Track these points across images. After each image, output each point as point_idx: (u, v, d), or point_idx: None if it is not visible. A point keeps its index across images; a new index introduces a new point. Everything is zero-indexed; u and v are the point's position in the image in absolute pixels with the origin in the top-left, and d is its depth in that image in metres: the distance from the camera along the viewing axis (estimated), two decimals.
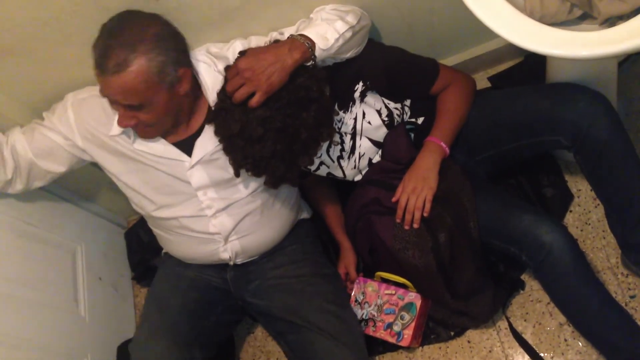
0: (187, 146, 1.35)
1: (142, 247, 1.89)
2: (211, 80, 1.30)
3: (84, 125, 1.36)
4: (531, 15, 0.99)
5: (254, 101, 1.14)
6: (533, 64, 1.58)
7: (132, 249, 1.95)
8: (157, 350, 1.41)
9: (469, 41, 1.64)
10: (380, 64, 1.37)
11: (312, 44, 1.18)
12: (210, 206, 1.42)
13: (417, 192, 1.36)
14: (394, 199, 1.39)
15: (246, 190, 1.43)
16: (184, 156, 1.36)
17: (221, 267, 1.55)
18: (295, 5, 1.36)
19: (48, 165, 1.40)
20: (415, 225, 1.36)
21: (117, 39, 1.16)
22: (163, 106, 1.24)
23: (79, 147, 1.38)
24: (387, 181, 1.44)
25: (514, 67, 1.70)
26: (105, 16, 1.24)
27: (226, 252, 1.48)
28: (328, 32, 1.20)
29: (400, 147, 1.44)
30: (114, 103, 1.24)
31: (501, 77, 1.70)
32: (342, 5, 1.35)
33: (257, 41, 1.33)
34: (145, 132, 1.31)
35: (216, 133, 1.22)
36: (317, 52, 1.20)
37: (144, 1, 1.25)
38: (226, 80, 1.20)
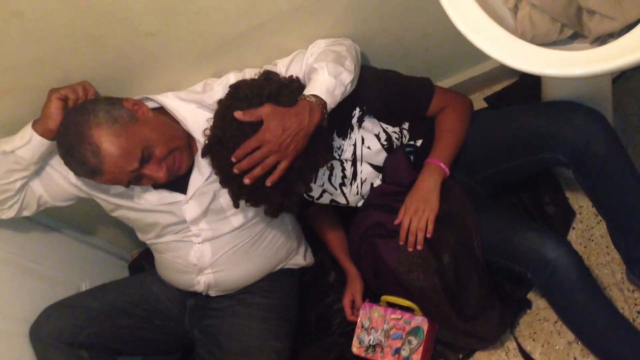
0: (180, 183, 1.38)
1: None
2: (189, 114, 1.33)
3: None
4: (522, 36, 1.01)
5: (282, 168, 1.14)
6: (528, 83, 1.60)
7: None
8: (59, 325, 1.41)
9: (463, 63, 1.66)
10: (376, 89, 1.38)
11: (324, 103, 1.19)
12: (198, 235, 1.43)
13: (419, 213, 1.36)
14: (396, 222, 1.39)
15: (236, 223, 1.44)
16: (178, 195, 1.39)
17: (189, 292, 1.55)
18: (289, 36, 1.38)
19: (52, 202, 1.41)
20: (419, 247, 1.35)
21: (72, 149, 1.21)
22: (154, 133, 1.26)
23: (81, 189, 1.41)
24: (389, 204, 1.45)
25: (509, 86, 1.72)
26: (103, 53, 1.27)
27: (200, 284, 1.48)
28: (337, 88, 1.21)
29: (400, 170, 1.45)
30: (135, 177, 1.26)
31: (497, 97, 1.72)
32: (336, 41, 1.36)
33: (250, 73, 1.33)
34: (182, 160, 1.32)
35: (212, 166, 1.23)
36: (328, 110, 1.21)
37: (140, 38, 1.27)
38: (224, 134, 1.17)
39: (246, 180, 1.13)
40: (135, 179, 1.27)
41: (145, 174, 1.26)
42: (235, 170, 1.14)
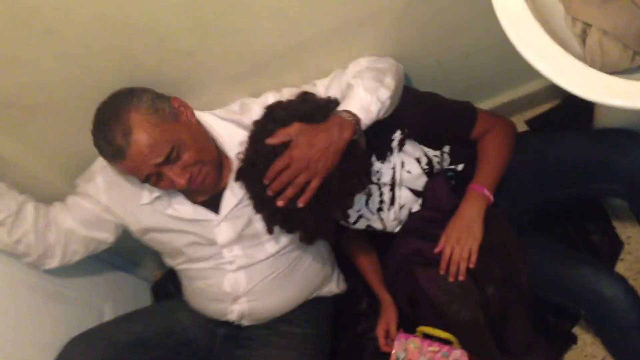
0: (213, 203, 1.33)
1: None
2: (225, 132, 1.30)
3: (112, 189, 1.34)
4: (592, 64, 0.95)
5: (313, 187, 1.09)
6: (574, 106, 1.54)
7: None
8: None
9: (504, 84, 1.61)
10: (418, 112, 1.33)
11: (358, 120, 1.15)
12: (232, 262, 1.38)
13: (461, 242, 1.31)
14: (436, 250, 1.33)
15: (272, 249, 1.39)
16: (211, 214, 1.34)
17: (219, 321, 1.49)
18: (329, 56, 1.33)
19: (89, 234, 1.36)
20: (461, 278, 1.29)
21: (105, 125, 1.18)
22: (189, 137, 1.22)
23: (110, 211, 1.35)
24: (429, 231, 1.39)
25: (553, 109, 1.65)
26: (139, 72, 1.23)
27: (233, 313, 1.42)
28: (372, 105, 1.16)
29: (441, 196, 1.39)
30: (155, 173, 1.20)
31: (540, 120, 1.66)
32: (378, 59, 1.32)
33: (288, 93, 1.31)
34: (207, 174, 1.26)
35: (246, 190, 1.19)
36: (362, 127, 1.16)
37: (177, 57, 1.23)
38: (257, 155, 1.13)
39: (279, 203, 1.09)
40: (155, 177, 1.21)
41: (166, 175, 1.20)
42: (268, 193, 1.09)
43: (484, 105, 1.64)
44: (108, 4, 1.07)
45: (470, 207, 1.34)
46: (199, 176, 1.24)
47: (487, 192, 1.34)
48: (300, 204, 1.09)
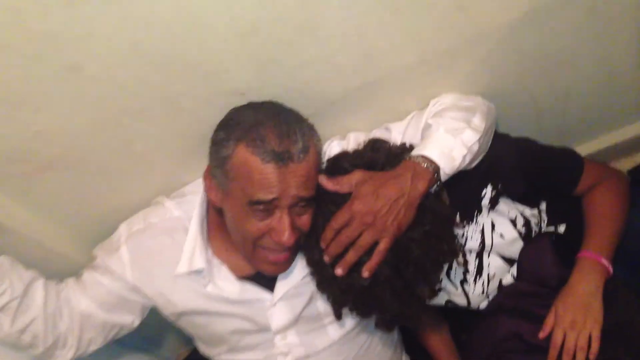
0: (264, 278, 1.08)
1: None
2: None
3: (140, 264, 1.07)
4: None
5: (384, 249, 0.91)
6: None
7: None
8: None
9: (602, 128, 1.42)
10: (514, 162, 1.13)
11: (437, 167, 0.94)
12: (287, 353, 1.12)
13: (577, 326, 1.09)
14: (542, 335, 1.11)
15: (336, 334, 1.15)
16: (265, 293, 1.09)
17: None
18: (408, 94, 1.13)
19: (110, 318, 1.10)
20: None
21: (287, 122, 0.93)
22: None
23: (137, 291, 1.09)
24: (528, 309, 1.17)
25: None
26: (176, 117, 1.01)
27: None
28: (455, 150, 0.97)
29: (545, 265, 1.17)
30: (273, 204, 0.93)
31: None
32: (465, 98, 1.13)
33: (356, 140, 1.11)
34: (291, 256, 1.02)
35: (307, 262, 1.03)
36: (443, 177, 0.97)
37: (225, 98, 1.00)
38: (323, 215, 0.96)
39: (338, 271, 0.92)
40: (264, 209, 0.93)
41: (280, 218, 0.94)
42: (325, 259, 0.94)
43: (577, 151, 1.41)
44: (142, 31, 0.85)
45: (585, 281, 1.12)
46: (289, 254, 1.01)
47: (604, 261, 1.12)
48: (365, 273, 0.91)
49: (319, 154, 0.98)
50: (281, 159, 0.90)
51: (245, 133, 0.91)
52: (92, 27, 0.82)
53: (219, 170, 0.95)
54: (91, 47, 0.85)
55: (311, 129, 0.97)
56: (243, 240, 0.98)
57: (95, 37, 0.83)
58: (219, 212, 1.03)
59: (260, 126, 0.91)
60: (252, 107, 0.98)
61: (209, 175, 0.99)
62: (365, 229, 0.90)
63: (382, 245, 0.90)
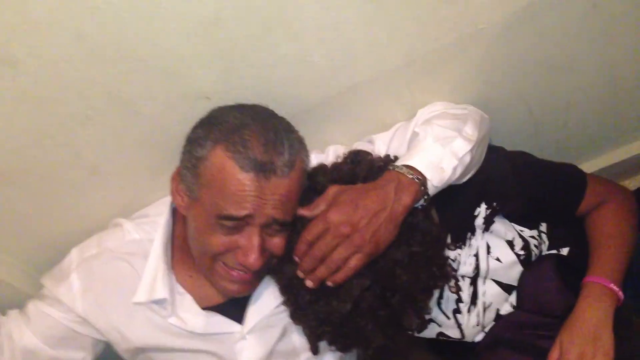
0: (233, 308, 0.99)
1: None
2: None
3: (92, 294, 0.97)
4: None
5: (354, 266, 0.82)
6: None
7: None
8: None
9: (605, 144, 1.37)
10: (511, 178, 1.06)
11: (424, 180, 0.86)
12: None
13: (586, 358, 1.01)
14: None
15: None
16: (233, 325, 0.98)
17: None
18: (394, 101, 1.05)
19: (57, 355, 0.98)
20: None
21: (283, 132, 0.86)
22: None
23: (87, 324, 0.97)
24: (530, 342, 1.10)
25: None
26: (133, 123, 0.91)
27: None
28: (444, 160, 0.90)
29: (547, 292, 1.10)
30: (245, 221, 0.85)
31: None
32: (456, 106, 1.06)
33: (335, 153, 1.05)
34: (254, 282, 0.94)
35: (277, 284, 0.94)
36: (431, 190, 0.89)
37: (190, 101, 0.91)
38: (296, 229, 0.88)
39: (308, 283, 0.85)
40: (235, 226, 0.84)
41: (250, 237, 0.85)
42: (299, 274, 0.85)
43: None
44: (87, 18, 0.75)
45: (593, 308, 1.04)
46: (253, 276, 0.91)
47: (613, 286, 1.04)
48: (329, 282, 0.83)
49: (304, 172, 0.90)
50: (262, 170, 0.81)
51: (227, 134, 0.82)
52: (26, 13, 0.72)
53: (190, 172, 0.85)
54: (26, 37, 0.75)
55: (301, 142, 0.90)
56: (201, 252, 0.88)
57: (31, 24, 0.74)
58: (185, 228, 0.93)
59: (244, 129, 0.82)
60: (239, 107, 0.89)
61: (177, 177, 0.89)
62: (340, 242, 0.82)
63: (354, 262, 0.81)
